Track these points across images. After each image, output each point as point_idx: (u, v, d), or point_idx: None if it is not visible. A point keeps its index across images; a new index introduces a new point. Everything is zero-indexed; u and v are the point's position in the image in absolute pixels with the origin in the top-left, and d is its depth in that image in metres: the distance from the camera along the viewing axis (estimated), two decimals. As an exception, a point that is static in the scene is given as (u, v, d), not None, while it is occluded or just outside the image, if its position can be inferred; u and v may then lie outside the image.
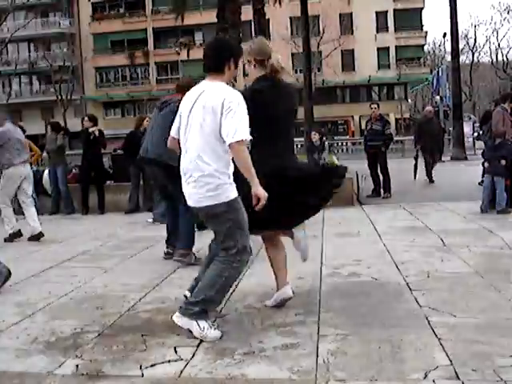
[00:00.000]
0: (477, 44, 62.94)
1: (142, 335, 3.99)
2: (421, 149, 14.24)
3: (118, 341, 3.92)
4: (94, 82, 56.20)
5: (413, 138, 16.08)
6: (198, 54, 47.59)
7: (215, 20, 15.27)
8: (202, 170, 3.80)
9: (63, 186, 11.62)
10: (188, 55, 51.76)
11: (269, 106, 4.29)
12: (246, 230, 3.94)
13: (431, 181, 14.20)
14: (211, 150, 3.81)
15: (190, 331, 3.89)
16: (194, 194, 3.88)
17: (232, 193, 3.86)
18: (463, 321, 3.98)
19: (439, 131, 15.87)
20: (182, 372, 3.37)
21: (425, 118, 15.39)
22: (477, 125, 18.44)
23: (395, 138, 19.84)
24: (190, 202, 3.96)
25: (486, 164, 9.34)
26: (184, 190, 3.97)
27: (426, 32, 54.29)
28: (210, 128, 3.80)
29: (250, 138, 3.78)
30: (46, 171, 11.98)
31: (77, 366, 3.51)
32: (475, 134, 25.32)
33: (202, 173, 3.80)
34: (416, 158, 14.16)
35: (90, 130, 11.34)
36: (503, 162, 8.95)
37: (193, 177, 3.85)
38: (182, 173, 3.98)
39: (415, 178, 14.19)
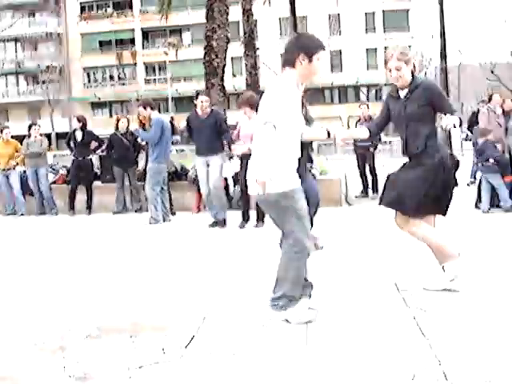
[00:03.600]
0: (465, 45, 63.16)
1: (131, 336, 3.97)
2: None
3: (105, 342, 3.89)
4: (81, 82, 56.03)
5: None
6: (186, 54, 47.58)
7: (204, 20, 15.24)
8: None
9: (45, 187, 11.57)
10: (176, 55, 51.79)
11: None
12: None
13: None
14: None
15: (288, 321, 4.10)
16: None
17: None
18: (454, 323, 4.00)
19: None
20: (170, 373, 3.35)
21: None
22: (465, 126, 18.47)
23: (384, 139, 19.88)
24: None
25: (480, 165, 9.33)
26: None
27: (412, 37, 54.48)
28: None
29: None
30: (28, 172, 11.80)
31: (63, 367, 3.48)
32: (463, 135, 25.37)
33: None
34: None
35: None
36: (491, 160, 9.03)
37: None
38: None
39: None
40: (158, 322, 4.21)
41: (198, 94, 9.14)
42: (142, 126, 9.63)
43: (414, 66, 4.61)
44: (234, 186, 10.43)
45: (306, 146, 5.34)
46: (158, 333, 4.00)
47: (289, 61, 4.08)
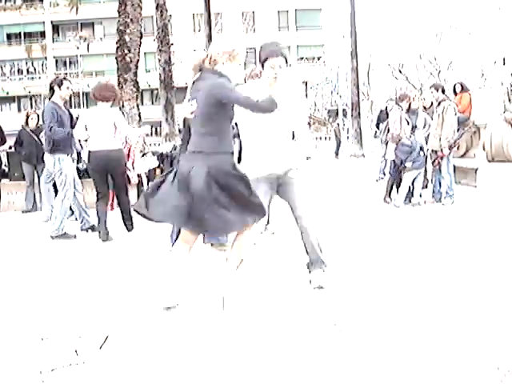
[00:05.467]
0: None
1: (42, 339, 3.87)
2: None
3: (16, 345, 3.78)
4: (-12, 76, 53.94)
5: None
6: (98, 48, 46.51)
7: (116, 14, 14.97)
8: None
9: None
10: (88, 49, 50.67)
11: None
12: None
13: None
14: None
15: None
16: None
17: None
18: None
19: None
20: (84, 375, 3.29)
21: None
22: (373, 123, 19.08)
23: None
24: None
25: (409, 163, 9.58)
26: None
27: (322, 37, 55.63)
28: None
29: None
30: None
31: (-29, 373, 3.37)
32: (372, 132, 26.17)
33: None
34: None
35: None
36: (408, 164, 9.42)
37: None
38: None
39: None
40: (69, 323, 4.12)
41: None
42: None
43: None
44: (148, 183, 10.29)
45: None
46: (70, 335, 3.92)
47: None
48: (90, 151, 7.48)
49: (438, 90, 9.71)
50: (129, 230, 7.57)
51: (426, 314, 4.12)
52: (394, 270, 5.44)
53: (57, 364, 3.44)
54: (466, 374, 3.13)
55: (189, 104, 4.27)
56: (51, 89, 7.90)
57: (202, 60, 4.33)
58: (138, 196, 9.92)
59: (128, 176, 8.65)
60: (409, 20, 56.74)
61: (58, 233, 7.76)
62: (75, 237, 7.84)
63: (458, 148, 10.81)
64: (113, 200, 9.58)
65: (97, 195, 7.57)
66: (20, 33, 53.71)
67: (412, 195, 9.56)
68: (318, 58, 55.10)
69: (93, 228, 8.12)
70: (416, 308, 4.26)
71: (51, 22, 53.32)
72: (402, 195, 9.48)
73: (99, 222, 7.51)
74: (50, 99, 7.95)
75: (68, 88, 7.93)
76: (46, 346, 3.74)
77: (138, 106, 14.49)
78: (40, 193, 10.88)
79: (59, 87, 7.85)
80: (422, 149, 9.53)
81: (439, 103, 9.59)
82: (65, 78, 8.13)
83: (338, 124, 28.59)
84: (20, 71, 54.85)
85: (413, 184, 9.52)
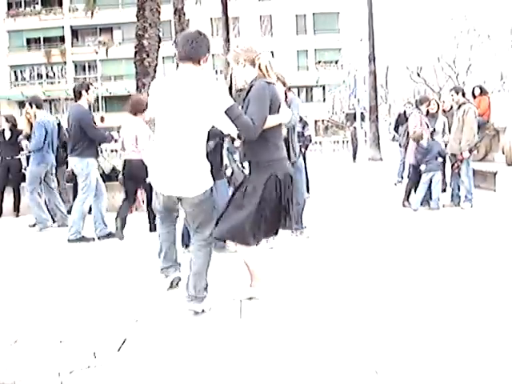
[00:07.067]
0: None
1: (60, 341, 3.89)
2: None
3: (34, 348, 3.81)
4: (8, 80, 54.39)
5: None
6: (116, 52, 46.77)
7: (135, 19, 15.05)
8: None
9: None
10: (107, 54, 51.02)
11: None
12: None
13: None
14: None
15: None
16: None
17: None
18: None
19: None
20: (102, 377, 3.30)
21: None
22: (391, 127, 18.99)
23: (314, 140, 20.17)
24: None
25: (423, 165, 9.55)
26: None
27: (338, 40, 55.45)
28: None
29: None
30: None
31: (-9, 374, 3.39)
32: (390, 136, 26.09)
33: None
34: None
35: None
36: (440, 159, 9.44)
37: None
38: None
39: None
40: (88, 326, 4.14)
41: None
42: (29, 125, 9.20)
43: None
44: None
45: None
46: (88, 337, 3.94)
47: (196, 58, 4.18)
48: (125, 160, 7.79)
49: (458, 93, 9.64)
50: (152, 230, 7.64)
51: (455, 326, 4.08)
52: (411, 275, 5.39)
53: (75, 366, 3.45)
54: None
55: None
56: (78, 93, 7.98)
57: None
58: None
59: None
60: (427, 23, 56.48)
61: (76, 236, 7.81)
62: (93, 239, 7.88)
63: (477, 151, 10.73)
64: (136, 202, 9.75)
65: (126, 195, 7.90)
66: (39, 38, 54.20)
67: (431, 199, 9.47)
68: (336, 62, 55.01)
69: (109, 235, 8.05)
70: (438, 318, 4.22)
71: (70, 27, 53.77)
72: (419, 198, 9.41)
73: (119, 216, 7.70)
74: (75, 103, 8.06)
75: (93, 92, 8.11)
76: (65, 348, 3.75)
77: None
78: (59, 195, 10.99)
79: (87, 91, 7.97)
80: (439, 153, 9.47)
81: (459, 106, 9.52)
82: (90, 83, 8.27)
83: (355, 128, 28.45)
84: (39, 76, 55.32)
85: (430, 188, 9.43)
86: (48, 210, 9.47)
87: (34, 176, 8.98)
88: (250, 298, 4.61)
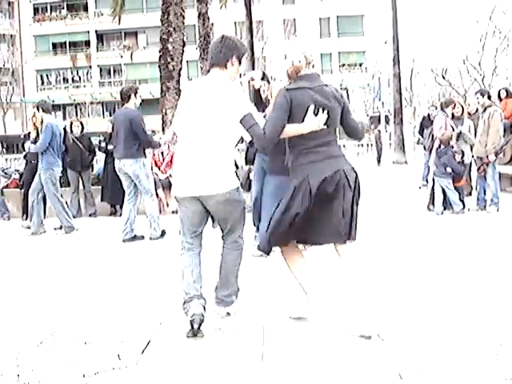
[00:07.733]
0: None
1: (85, 342, 3.92)
2: None
3: (59, 349, 3.84)
4: (34, 85, 55.05)
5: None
6: (141, 56, 46.98)
7: (159, 23, 15.15)
8: None
9: None
10: (131, 58, 51.38)
11: None
12: None
13: None
14: None
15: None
16: None
17: None
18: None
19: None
20: (126, 379, 3.32)
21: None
22: (416, 130, 18.86)
23: (338, 143, 20.11)
24: None
25: (435, 168, 9.48)
26: None
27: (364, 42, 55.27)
28: None
29: None
30: None
31: (18, 375, 3.42)
32: (415, 139, 25.89)
33: None
34: None
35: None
36: (448, 169, 9.23)
37: None
38: None
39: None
40: (112, 328, 4.16)
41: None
42: (35, 130, 9.21)
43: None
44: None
45: None
46: (113, 339, 3.97)
47: (221, 62, 4.14)
48: None
49: (483, 96, 9.55)
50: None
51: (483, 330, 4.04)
52: (433, 280, 5.35)
53: (100, 368, 3.48)
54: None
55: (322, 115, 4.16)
56: (127, 96, 8.10)
57: (302, 66, 4.51)
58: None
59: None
60: (452, 25, 56.05)
61: (157, 235, 8.02)
62: (143, 237, 8.09)
63: (503, 155, 10.59)
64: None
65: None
66: (65, 42, 54.81)
67: (450, 204, 9.33)
68: (360, 65, 54.78)
69: (134, 238, 8.07)
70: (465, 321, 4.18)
71: (95, 31, 54.28)
72: (438, 202, 9.30)
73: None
74: (123, 106, 8.22)
75: (140, 97, 8.34)
76: (90, 350, 3.78)
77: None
78: (84, 198, 11.14)
79: (135, 95, 8.14)
80: (462, 157, 9.35)
81: (485, 109, 9.42)
82: (137, 87, 8.49)
83: (380, 131, 28.27)
84: (65, 80, 55.91)
85: (444, 192, 9.31)
86: (27, 211, 9.62)
87: (47, 183, 8.90)
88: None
